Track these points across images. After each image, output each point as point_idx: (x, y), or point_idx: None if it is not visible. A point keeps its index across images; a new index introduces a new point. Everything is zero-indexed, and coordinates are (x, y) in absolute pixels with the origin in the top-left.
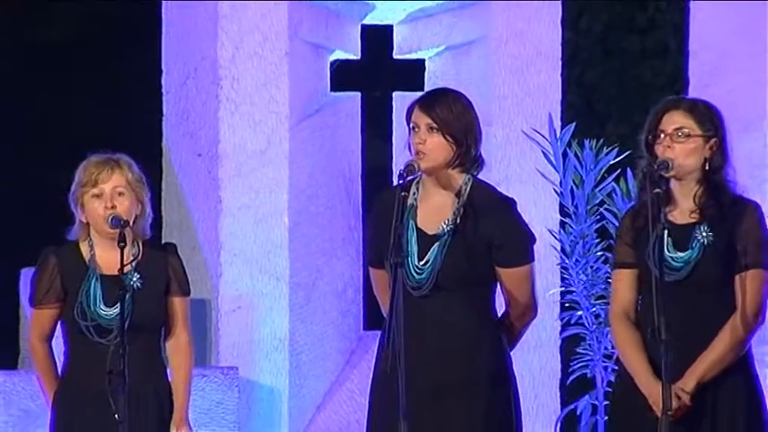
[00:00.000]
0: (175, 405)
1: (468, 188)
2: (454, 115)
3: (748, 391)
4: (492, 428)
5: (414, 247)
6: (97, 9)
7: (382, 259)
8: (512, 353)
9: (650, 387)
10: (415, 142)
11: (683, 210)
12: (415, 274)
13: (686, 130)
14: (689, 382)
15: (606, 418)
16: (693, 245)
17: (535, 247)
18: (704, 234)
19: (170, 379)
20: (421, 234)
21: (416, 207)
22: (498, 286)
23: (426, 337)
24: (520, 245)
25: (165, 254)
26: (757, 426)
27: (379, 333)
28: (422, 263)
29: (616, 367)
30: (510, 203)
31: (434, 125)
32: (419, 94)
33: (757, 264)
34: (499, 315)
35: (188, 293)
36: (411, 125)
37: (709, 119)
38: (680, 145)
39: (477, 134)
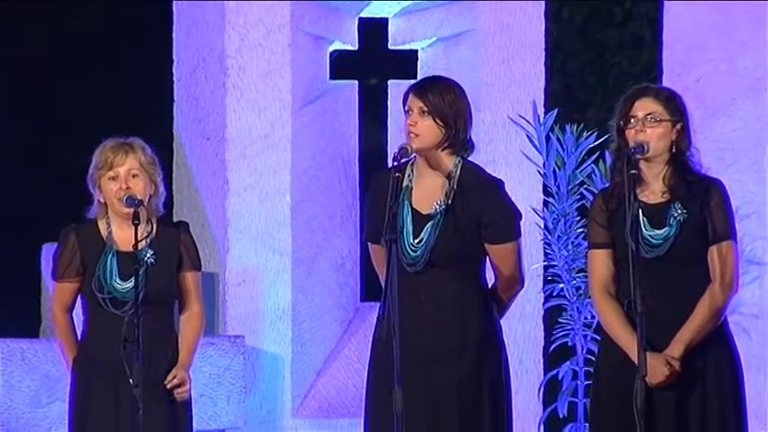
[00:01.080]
0: (180, 357)
1: (459, 170)
2: (445, 101)
3: (730, 360)
4: (483, 387)
5: (409, 226)
6: (115, 3)
7: (379, 235)
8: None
9: (643, 359)
10: (408, 124)
11: (654, 190)
12: (410, 252)
13: (657, 116)
14: (676, 349)
15: (588, 383)
16: (671, 222)
17: (521, 224)
18: (679, 211)
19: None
20: (415, 214)
21: (411, 188)
22: (488, 260)
23: (421, 310)
24: (507, 223)
25: (178, 231)
26: (739, 391)
27: (376, 304)
28: (416, 241)
29: (598, 337)
30: (498, 184)
31: (426, 109)
32: (412, 82)
33: (727, 236)
34: (489, 286)
35: (199, 268)
36: (406, 108)
37: (675, 105)
38: (651, 129)
39: (468, 120)
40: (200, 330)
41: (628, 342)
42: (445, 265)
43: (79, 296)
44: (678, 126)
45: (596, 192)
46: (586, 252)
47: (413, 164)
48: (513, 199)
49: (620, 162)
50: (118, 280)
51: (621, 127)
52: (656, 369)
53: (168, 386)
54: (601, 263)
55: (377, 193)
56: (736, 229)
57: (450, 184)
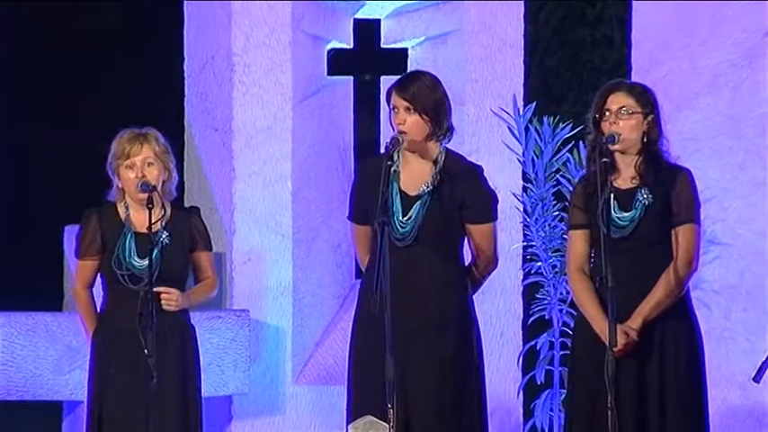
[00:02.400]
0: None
1: (444, 157)
2: (426, 95)
3: (690, 332)
4: (462, 358)
5: (398, 206)
6: (131, 5)
7: (363, 216)
8: (483, 298)
9: (603, 327)
10: (397, 123)
11: (626, 177)
12: (399, 228)
13: (629, 109)
14: (635, 321)
15: (566, 353)
16: (636, 205)
17: (500, 207)
18: (645, 196)
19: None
20: (404, 195)
21: (399, 173)
22: (466, 241)
23: (408, 280)
24: (486, 205)
25: (190, 216)
26: (697, 360)
27: None
28: (405, 218)
29: (572, 311)
30: (478, 170)
31: (410, 106)
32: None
33: (690, 219)
34: (464, 266)
35: (211, 249)
36: (391, 106)
37: (646, 98)
38: (624, 121)
39: (447, 107)
40: (210, 290)
41: (594, 317)
42: (430, 242)
43: (99, 274)
44: (649, 118)
45: (571, 178)
46: (562, 233)
47: (399, 150)
48: (494, 185)
49: (594, 151)
50: (135, 258)
51: (597, 119)
52: (616, 338)
53: (160, 291)
54: (578, 242)
55: (365, 178)
56: (699, 214)
57: (435, 169)
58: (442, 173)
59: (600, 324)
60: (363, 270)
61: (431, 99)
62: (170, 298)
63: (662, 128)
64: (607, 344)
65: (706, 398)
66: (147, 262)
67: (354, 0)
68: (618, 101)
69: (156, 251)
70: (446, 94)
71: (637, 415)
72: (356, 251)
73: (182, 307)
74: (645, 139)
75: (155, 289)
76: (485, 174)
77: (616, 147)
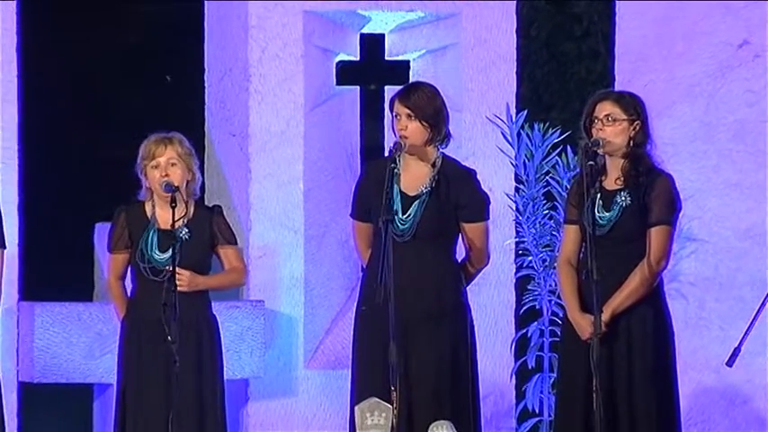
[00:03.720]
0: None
1: (441, 161)
2: (426, 103)
3: (657, 320)
4: (458, 346)
5: (398, 205)
6: (157, 22)
7: (365, 214)
8: (478, 289)
9: (575, 318)
10: (399, 129)
11: (612, 179)
12: (399, 225)
13: (614, 116)
14: (605, 313)
15: (555, 340)
16: (614, 207)
17: (495, 206)
18: (623, 198)
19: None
20: (404, 195)
21: (400, 175)
22: (460, 239)
23: (407, 273)
24: (479, 206)
25: (212, 214)
26: (666, 346)
27: None
28: (405, 216)
29: (561, 302)
30: (472, 174)
31: (412, 114)
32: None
33: (662, 221)
34: (459, 262)
35: (235, 243)
36: (394, 113)
37: (633, 106)
38: (609, 127)
39: (445, 114)
40: (234, 277)
41: (570, 307)
42: (428, 238)
43: (129, 267)
44: (635, 125)
45: (560, 180)
46: (551, 230)
47: (400, 155)
48: (489, 186)
49: (582, 155)
50: (157, 252)
51: (587, 126)
52: (584, 327)
53: (176, 272)
54: (570, 236)
55: (368, 179)
56: (675, 217)
57: (433, 172)
58: (440, 175)
59: (573, 314)
60: (364, 265)
61: (431, 107)
62: (180, 278)
63: (649, 134)
64: (578, 331)
65: (675, 378)
66: (167, 255)
67: (360, 16)
68: (604, 109)
69: (177, 246)
70: (444, 103)
71: (609, 394)
72: (357, 247)
73: (193, 287)
74: (631, 144)
75: (171, 269)
76: (478, 177)
77: (602, 151)
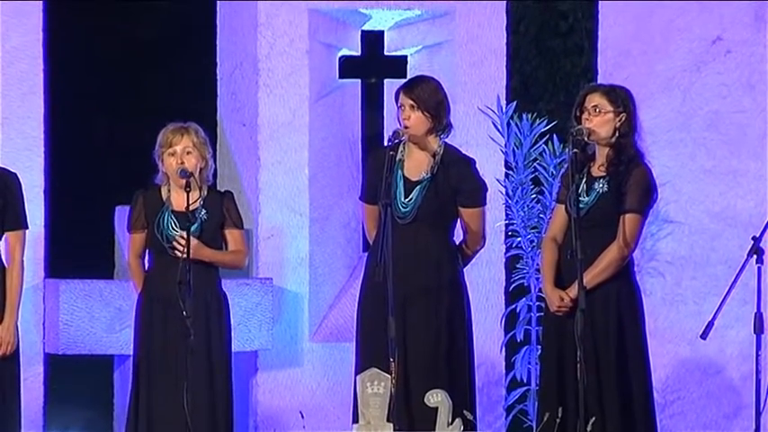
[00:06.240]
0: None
1: (442, 150)
2: (429, 95)
3: (627, 294)
4: (453, 320)
5: (401, 189)
6: (172, 18)
7: (372, 198)
8: (471, 268)
9: (547, 290)
10: (402, 118)
11: (597, 166)
12: (401, 208)
13: (600, 107)
14: (573, 289)
15: (541, 314)
16: (591, 192)
17: (487, 194)
18: (601, 185)
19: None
20: (406, 180)
21: (403, 161)
22: (458, 223)
23: (408, 252)
24: (477, 192)
25: (223, 198)
26: (636, 319)
27: None
28: (407, 200)
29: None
30: (471, 162)
31: (414, 104)
32: (402, 81)
33: (634, 210)
34: (457, 244)
35: (241, 227)
36: (398, 104)
37: (620, 98)
38: (596, 118)
39: (447, 107)
40: (235, 259)
41: (545, 281)
42: (428, 221)
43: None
44: (622, 116)
45: (546, 166)
46: (539, 213)
47: (404, 143)
48: (482, 173)
49: (568, 143)
50: (172, 229)
51: (577, 116)
52: (553, 300)
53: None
54: (559, 215)
55: (373, 165)
56: (647, 206)
57: (434, 160)
58: (440, 163)
59: (546, 287)
60: (371, 244)
61: (433, 99)
62: (178, 241)
63: (636, 125)
64: (549, 304)
65: (646, 348)
66: (183, 232)
67: (362, 14)
68: (593, 100)
69: (195, 225)
70: (446, 96)
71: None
72: (365, 227)
73: (198, 255)
74: (617, 134)
75: (175, 233)
76: (476, 165)
77: (588, 139)
